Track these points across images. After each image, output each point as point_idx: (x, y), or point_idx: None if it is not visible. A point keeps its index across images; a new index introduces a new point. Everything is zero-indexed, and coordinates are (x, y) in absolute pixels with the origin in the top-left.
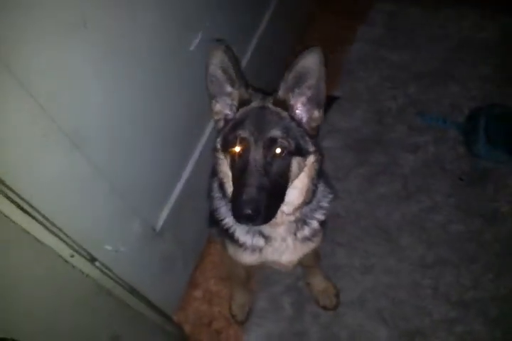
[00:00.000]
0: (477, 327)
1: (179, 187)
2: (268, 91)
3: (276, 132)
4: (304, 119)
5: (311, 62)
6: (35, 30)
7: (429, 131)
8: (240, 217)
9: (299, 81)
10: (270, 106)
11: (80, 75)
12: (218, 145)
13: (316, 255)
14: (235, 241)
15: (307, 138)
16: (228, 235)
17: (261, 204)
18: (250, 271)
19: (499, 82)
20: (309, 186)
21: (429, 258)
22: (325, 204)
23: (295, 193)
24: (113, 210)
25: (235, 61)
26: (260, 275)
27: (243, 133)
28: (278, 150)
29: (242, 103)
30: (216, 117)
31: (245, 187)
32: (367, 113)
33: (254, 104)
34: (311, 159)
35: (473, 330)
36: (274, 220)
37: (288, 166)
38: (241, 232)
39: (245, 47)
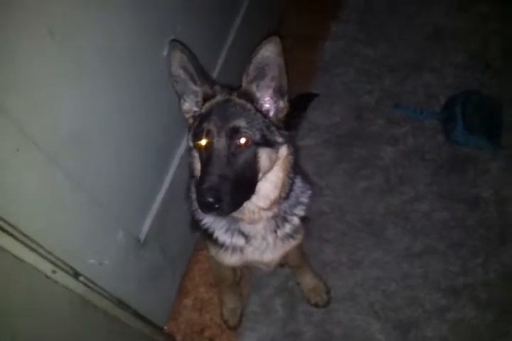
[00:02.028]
0: (469, 312)
1: (161, 195)
2: (235, 87)
3: (239, 122)
4: (272, 111)
5: (270, 51)
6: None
7: (407, 123)
8: (201, 205)
9: (261, 72)
10: (234, 98)
11: (52, 87)
12: (190, 143)
13: (301, 254)
14: (214, 241)
15: (273, 129)
16: (208, 236)
17: (223, 193)
18: (238, 273)
19: (473, 69)
20: (284, 180)
21: (416, 247)
22: (304, 199)
23: (269, 187)
24: (95, 222)
25: (194, 59)
26: (250, 278)
27: (207, 125)
28: (242, 140)
29: (207, 99)
30: (187, 115)
31: (207, 175)
32: (345, 108)
33: (219, 97)
34: (283, 152)
35: (466, 316)
36: (252, 216)
37: (254, 157)
38: (220, 232)
39: (219, 50)
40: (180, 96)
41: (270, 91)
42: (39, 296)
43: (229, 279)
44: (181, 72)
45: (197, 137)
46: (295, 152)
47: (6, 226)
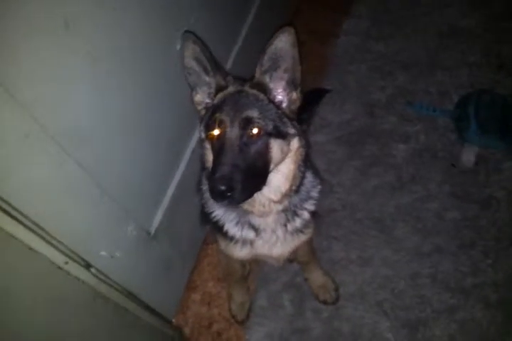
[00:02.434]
0: (478, 313)
1: (172, 188)
2: (248, 78)
3: (252, 112)
4: (285, 103)
5: (284, 42)
6: (14, 32)
7: (419, 120)
8: (214, 194)
9: (275, 62)
10: (247, 89)
11: (64, 77)
12: (202, 134)
13: (310, 250)
14: (224, 234)
15: (286, 120)
16: (218, 228)
17: (235, 182)
18: (247, 267)
19: (487, 68)
20: (296, 172)
21: (426, 247)
22: (314, 194)
23: (280, 178)
24: (106, 214)
25: (206, 50)
26: (258, 273)
27: (220, 115)
28: (255, 131)
29: (220, 90)
30: (199, 107)
31: (219, 165)
32: (357, 105)
33: (231, 88)
34: (295, 144)
35: (475, 316)
36: (262, 209)
37: (266, 147)
38: (230, 224)
39: (232, 44)
40: (192, 88)
41: (283, 82)
42: (52, 286)
43: (237, 273)
44: (194, 64)
45: (209, 128)
46: (306, 145)
47: (19, 217)
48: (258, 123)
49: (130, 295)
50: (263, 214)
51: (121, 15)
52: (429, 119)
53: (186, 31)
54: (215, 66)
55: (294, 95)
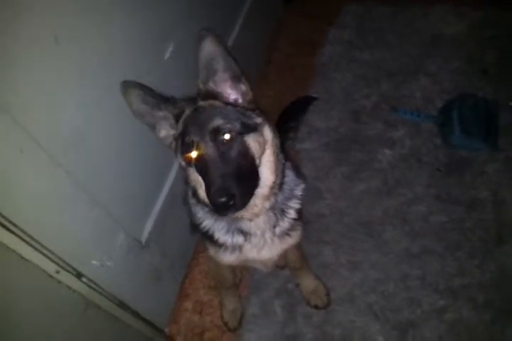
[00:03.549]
0: (466, 313)
1: (162, 197)
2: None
3: (215, 122)
4: (240, 98)
5: (207, 47)
6: (5, 47)
7: (404, 126)
8: (218, 209)
9: (210, 69)
10: (201, 103)
11: (53, 90)
12: (182, 162)
13: (301, 256)
14: (215, 242)
15: (249, 113)
16: (208, 237)
17: (233, 189)
18: (237, 275)
19: (470, 73)
20: (277, 163)
21: (414, 249)
22: (298, 192)
23: (266, 170)
24: (97, 224)
25: (147, 88)
26: (249, 280)
27: (189, 137)
28: (227, 136)
29: (178, 116)
30: (168, 141)
31: (211, 182)
32: (343, 112)
33: (187, 110)
34: (267, 133)
35: (463, 317)
36: (253, 211)
37: (244, 146)
38: (220, 233)
39: None
40: (153, 128)
41: (228, 82)
42: (43, 295)
43: (228, 281)
44: (143, 106)
45: (186, 152)
46: (275, 129)
47: (11, 227)
48: (225, 128)
49: (122, 304)
50: (254, 216)
51: (109, 29)
52: (414, 124)
53: (124, 81)
54: (162, 99)
55: (243, 87)
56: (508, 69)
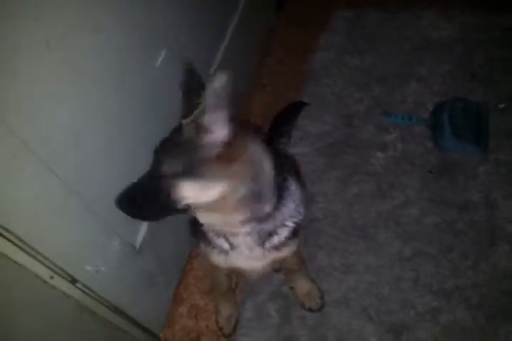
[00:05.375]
0: (460, 314)
1: None
2: None
3: None
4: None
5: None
6: None
7: (396, 129)
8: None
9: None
10: None
11: (46, 96)
12: None
13: (300, 261)
14: (207, 241)
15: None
16: (204, 237)
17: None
18: (233, 279)
19: (460, 77)
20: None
21: (407, 251)
22: (290, 223)
23: (212, 216)
24: (90, 230)
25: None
26: (244, 285)
27: None
28: None
29: None
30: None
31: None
32: (335, 117)
33: None
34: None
35: (457, 318)
36: (230, 229)
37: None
38: (212, 235)
39: (209, 65)
40: None
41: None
42: (37, 301)
43: (223, 285)
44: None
45: None
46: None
47: (4, 232)
48: None
49: (117, 309)
50: (232, 234)
51: (100, 35)
52: (406, 128)
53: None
54: None
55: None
56: (497, 72)
